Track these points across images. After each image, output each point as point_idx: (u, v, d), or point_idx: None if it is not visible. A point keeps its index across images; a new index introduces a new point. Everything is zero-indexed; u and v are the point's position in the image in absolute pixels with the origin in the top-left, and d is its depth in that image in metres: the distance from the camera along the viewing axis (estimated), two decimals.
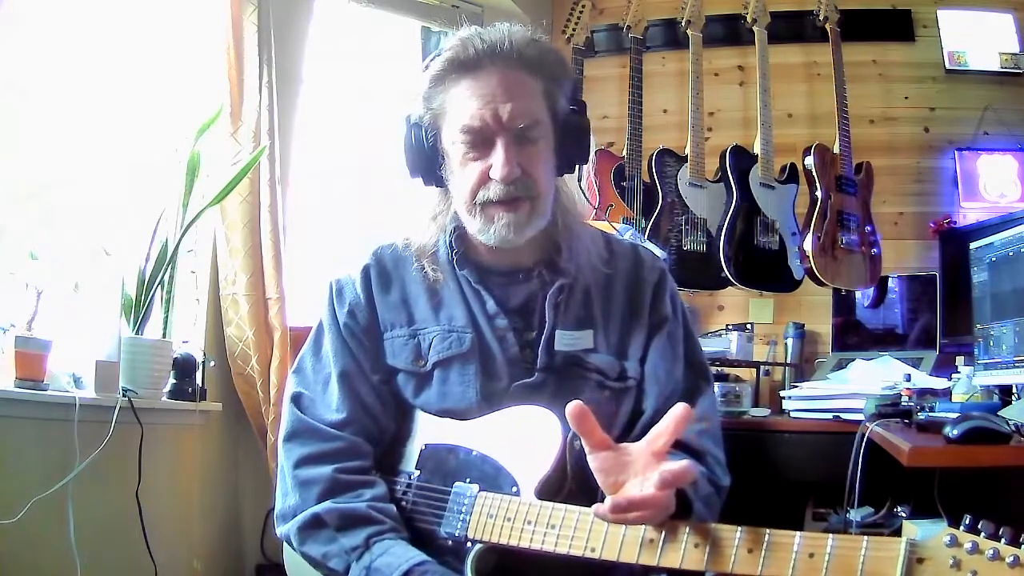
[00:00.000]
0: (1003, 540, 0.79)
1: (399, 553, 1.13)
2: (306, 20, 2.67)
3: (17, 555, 1.82)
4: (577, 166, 1.31)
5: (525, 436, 1.16)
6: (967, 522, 0.82)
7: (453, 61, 1.20)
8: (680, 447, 1.20)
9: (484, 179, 1.19)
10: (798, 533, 0.88)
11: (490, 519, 1.12)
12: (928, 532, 0.85)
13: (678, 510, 1.00)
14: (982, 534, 0.80)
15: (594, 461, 1.03)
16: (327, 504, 1.18)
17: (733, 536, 0.92)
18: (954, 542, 0.80)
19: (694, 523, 0.97)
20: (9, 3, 2.02)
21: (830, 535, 0.86)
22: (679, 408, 1.00)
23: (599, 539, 1.01)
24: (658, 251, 1.83)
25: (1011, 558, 0.78)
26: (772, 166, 3.03)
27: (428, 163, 1.26)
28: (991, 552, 0.79)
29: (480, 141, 1.19)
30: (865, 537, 0.84)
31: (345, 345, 1.29)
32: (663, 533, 0.97)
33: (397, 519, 1.19)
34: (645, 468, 1.00)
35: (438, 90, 1.22)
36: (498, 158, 1.18)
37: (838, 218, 2.98)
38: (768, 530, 0.90)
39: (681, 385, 1.28)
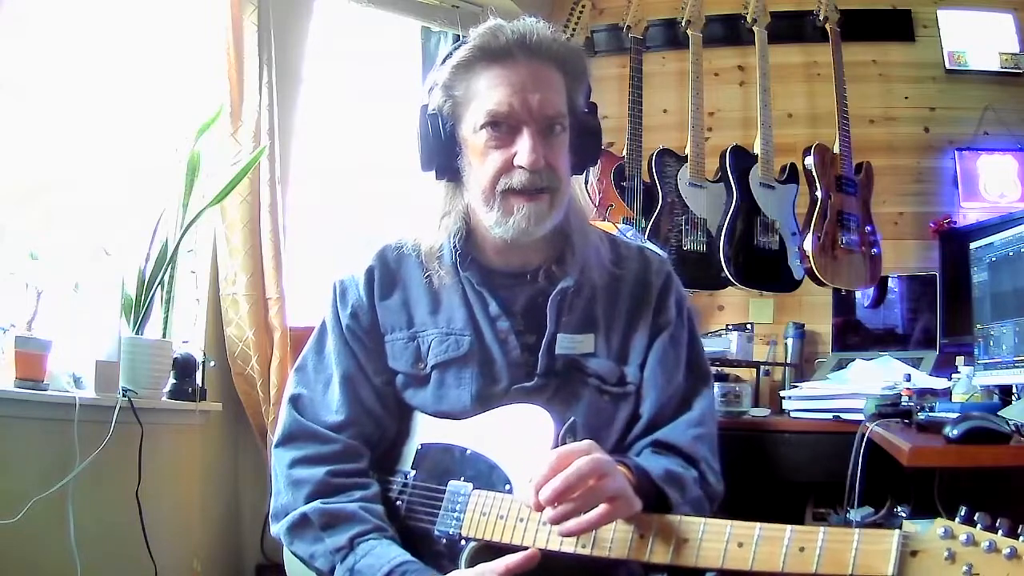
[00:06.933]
0: (1000, 532, 0.76)
1: (381, 554, 1.12)
2: (306, 20, 2.67)
3: (17, 555, 1.81)
4: (586, 168, 1.30)
5: (518, 434, 1.16)
6: (963, 513, 0.79)
7: (483, 48, 1.17)
8: (674, 452, 1.20)
9: (508, 167, 1.17)
10: (789, 527, 0.86)
11: (483, 517, 1.12)
12: (926, 530, 0.82)
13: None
14: (978, 526, 0.77)
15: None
16: (315, 504, 1.18)
17: (723, 531, 0.91)
18: (949, 534, 0.77)
19: (684, 519, 0.96)
20: (9, 3, 2.02)
21: (821, 528, 0.84)
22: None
23: (589, 535, 1.00)
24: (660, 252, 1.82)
25: (1008, 550, 0.75)
26: (772, 166, 3.02)
27: (444, 153, 1.22)
28: (987, 544, 0.76)
29: (506, 129, 1.17)
30: (857, 530, 0.82)
31: (347, 347, 1.28)
32: (653, 529, 0.96)
33: (383, 518, 1.18)
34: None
35: (463, 77, 1.19)
36: (525, 145, 1.15)
37: (838, 218, 2.97)
38: (759, 524, 0.89)
39: (680, 391, 1.26)
